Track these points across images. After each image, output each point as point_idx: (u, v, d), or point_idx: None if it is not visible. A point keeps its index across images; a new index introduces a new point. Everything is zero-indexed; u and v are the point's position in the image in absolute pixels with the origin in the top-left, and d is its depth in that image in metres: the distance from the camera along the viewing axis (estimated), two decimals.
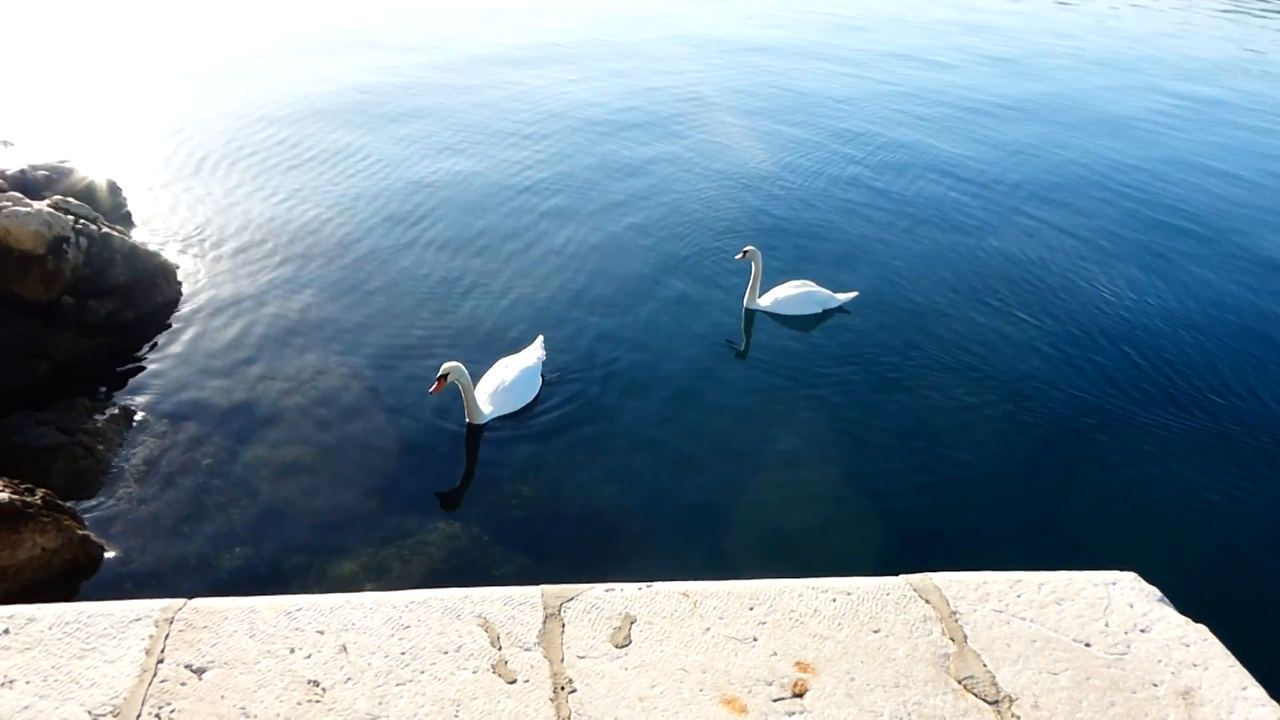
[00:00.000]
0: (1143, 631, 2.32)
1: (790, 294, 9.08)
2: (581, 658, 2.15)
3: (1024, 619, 2.34)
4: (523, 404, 7.18)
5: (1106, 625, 2.34)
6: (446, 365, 6.61)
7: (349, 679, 2.06)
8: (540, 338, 7.74)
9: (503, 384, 7.12)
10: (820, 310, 9.10)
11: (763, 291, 9.14)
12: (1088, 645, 2.27)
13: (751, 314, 9.14)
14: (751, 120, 15.58)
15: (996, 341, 8.71)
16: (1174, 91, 19.59)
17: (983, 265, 10.37)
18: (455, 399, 6.94)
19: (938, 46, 22.67)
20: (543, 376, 7.43)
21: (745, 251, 8.98)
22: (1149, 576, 2.55)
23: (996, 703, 2.10)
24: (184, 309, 8.31)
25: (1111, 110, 17.73)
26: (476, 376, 7.18)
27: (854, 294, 9.16)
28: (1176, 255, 11.02)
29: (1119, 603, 2.41)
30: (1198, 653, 2.26)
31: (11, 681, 1.98)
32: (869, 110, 16.53)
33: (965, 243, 10.96)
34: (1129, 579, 2.51)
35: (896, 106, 16.88)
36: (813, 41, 22.44)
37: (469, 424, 6.92)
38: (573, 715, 2.01)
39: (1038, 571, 2.53)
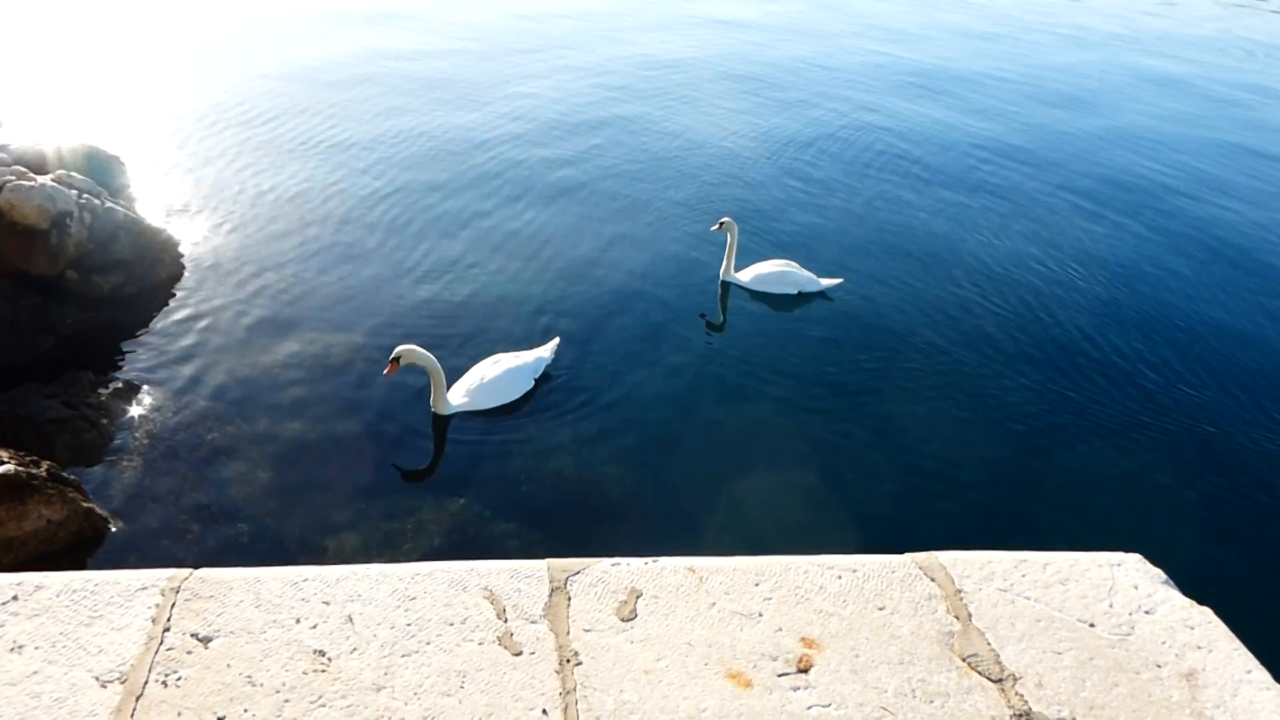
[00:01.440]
0: (1147, 613, 2.33)
1: (766, 271, 9.04)
2: (587, 631, 2.16)
3: (1028, 598, 2.34)
4: (497, 403, 6.90)
5: (1111, 606, 2.34)
6: (400, 348, 6.42)
7: (355, 649, 2.07)
8: (555, 341, 7.50)
9: (482, 379, 6.90)
10: (795, 292, 8.98)
11: (740, 266, 9.13)
12: (1092, 625, 2.27)
13: (727, 286, 9.15)
14: (768, 100, 15.50)
15: (1001, 324, 8.69)
16: (1199, 84, 19.47)
17: (989, 251, 10.33)
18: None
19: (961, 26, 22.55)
20: (538, 380, 7.16)
21: (721, 223, 8.98)
22: (1154, 559, 2.55)
23: (1000, 681, 2.11)
24: (186, 283, 8.30)
25: (1126, 99, 17.64)
26: (464, 368, 7.09)
27: (839, 281, 9.02)
28: (1190, 244, 10.98)
29: (1123, 584, 2.41)
30: (1202, 635, 2.26)
31: (21, 647, 1.99)
32: (891, 94, 16.45)
33: (974, 227, 10.93)
34: (1134, 560, 2.51)
35: (917, 87, 16.80)
36: (834, 30, 22.31)
37: (433, 413, 6.74)
38: (578, 687, 2.01)
39: (1043, 551, 2.53)
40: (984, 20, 23.86)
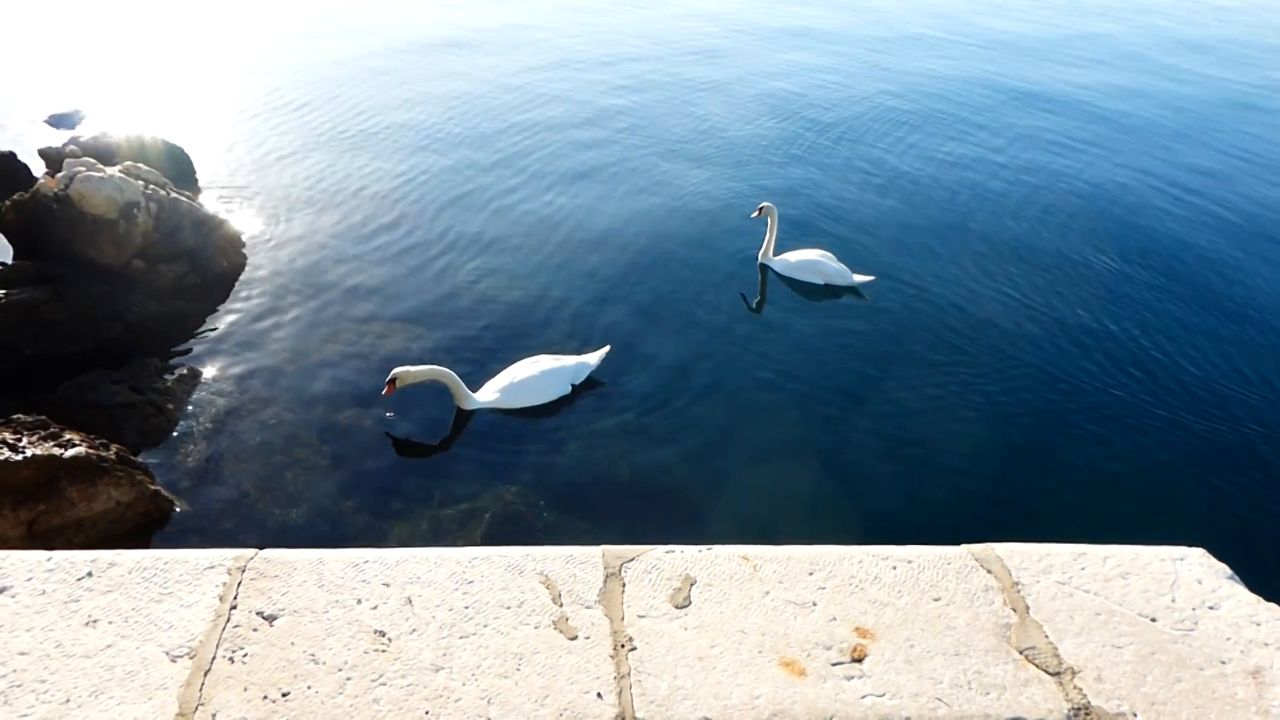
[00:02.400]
0: (1211, 609, 2.28)
1: (797, 259, 9.08)
2: (641, 617, 2.18)
3: (1088, 592, 2.31)
4: (526, 404, 6.84)
5: (1173, 601, 2.30)
6: (395, 370, 6.43)
7: (414, 630, 2.11)
8: (604, 350, 7.29)
9: (513, 379, 6.86)
10: (823, 283, 8.94)
11: (779, 250, 9.21)
12: (1153, 620, 2.24)
13: (765, 270, 9.23)
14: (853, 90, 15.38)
15: (1053, 324, 8.54)
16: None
17: (1048, 249, 10.16)
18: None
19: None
20: (575, 385, 7.01)
21: (761, 208, 9.10)
22: (1218, 555, 2.49)
23: (1059, 674, 2.08)
24: (248, 273, 8.48)
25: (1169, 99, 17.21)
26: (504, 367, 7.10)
27: (871, 278, 8.92)
28: (1247, 237, 10.69)
29: (1186, 579, 2.37)
30: (1269, 632, 2.21)
31: (95, 621, 2.06)
32: (964, 93, 16.22)
33: (1035, 223, 10.75)
34: (1197, 555, 2.46)
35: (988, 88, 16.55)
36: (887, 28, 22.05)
37: (457, 408, 6.78)
38: (632, 672, 2.03)
39: (1102, 545, 2.49)
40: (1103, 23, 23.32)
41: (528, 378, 6.88)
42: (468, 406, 6.77)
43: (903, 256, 9.60)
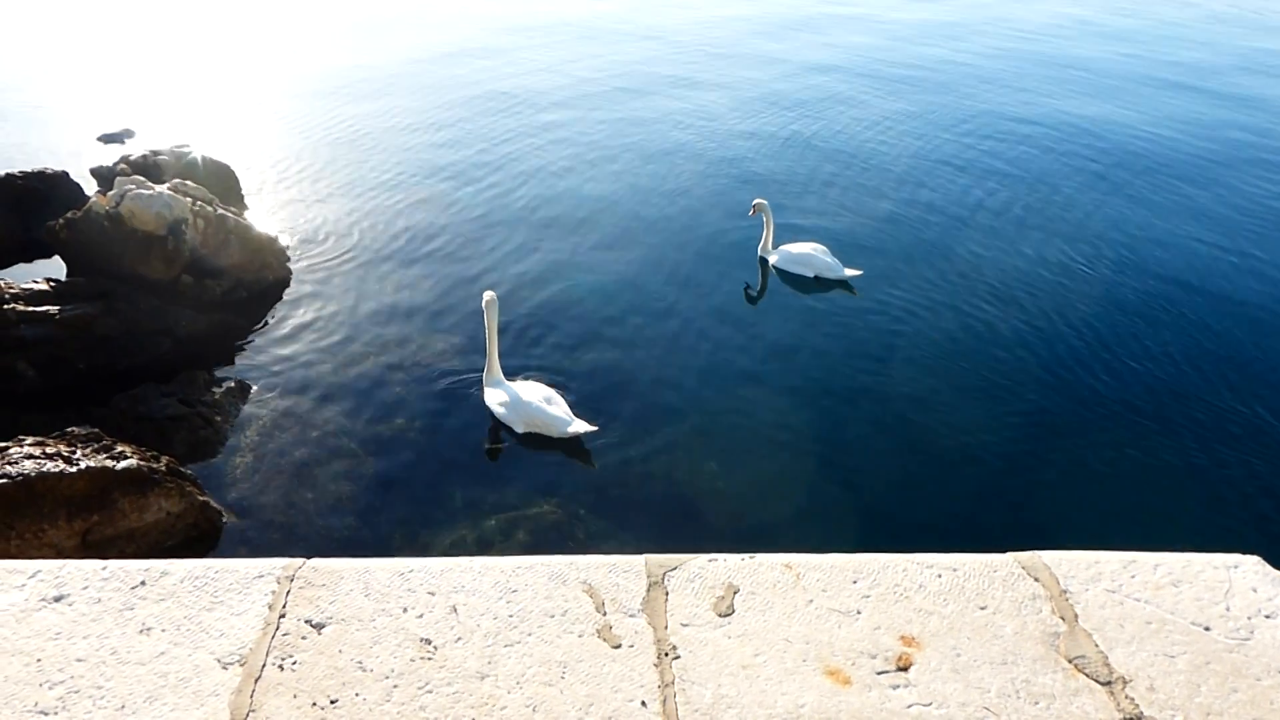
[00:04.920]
0: (1267, 617, 2.23)
1: (790, 252, 9.27)
2: (685, 625, 2.18)
3: (1138, 600, 2.27)
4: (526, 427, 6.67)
5: (1228, 609, 2.25)
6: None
7: (459, 639, 2.13)
8: (594, 428, 6.68)
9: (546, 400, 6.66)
10: (812, 275, 9.11)
11: (776, 244, 9.44)
12: (1207, 629, 2.19)
13: (764, 263, 9.48)
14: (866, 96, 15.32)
15: (1095, 325, 8.41)
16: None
17: (1079, 250, 10.01)
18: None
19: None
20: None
21: (755, 205, 9.38)
22: (1274, 561, 2.44)
23: (1110, 684, 2.05)
24: (294, 287, 8.62)
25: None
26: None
27: (859, 272, 9.04)
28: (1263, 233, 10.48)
29: (1241, 586, 2.32)
30: None
31: (149, 629, 2.10)
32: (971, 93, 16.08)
33: (1057, 212, 10.61)
34: (1251, 562, 2.41)
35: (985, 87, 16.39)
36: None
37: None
38: (676, 680, 2.03)
39: (1152, 552, 2.44)
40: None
41: (541, 407, 6.60)
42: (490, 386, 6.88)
43: (935, 257, 9.51)
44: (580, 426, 6.51)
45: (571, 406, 6.73)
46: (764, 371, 7.60)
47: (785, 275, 9.25)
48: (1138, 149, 13.06)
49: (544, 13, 21.32)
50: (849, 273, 9.02)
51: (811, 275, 9.13)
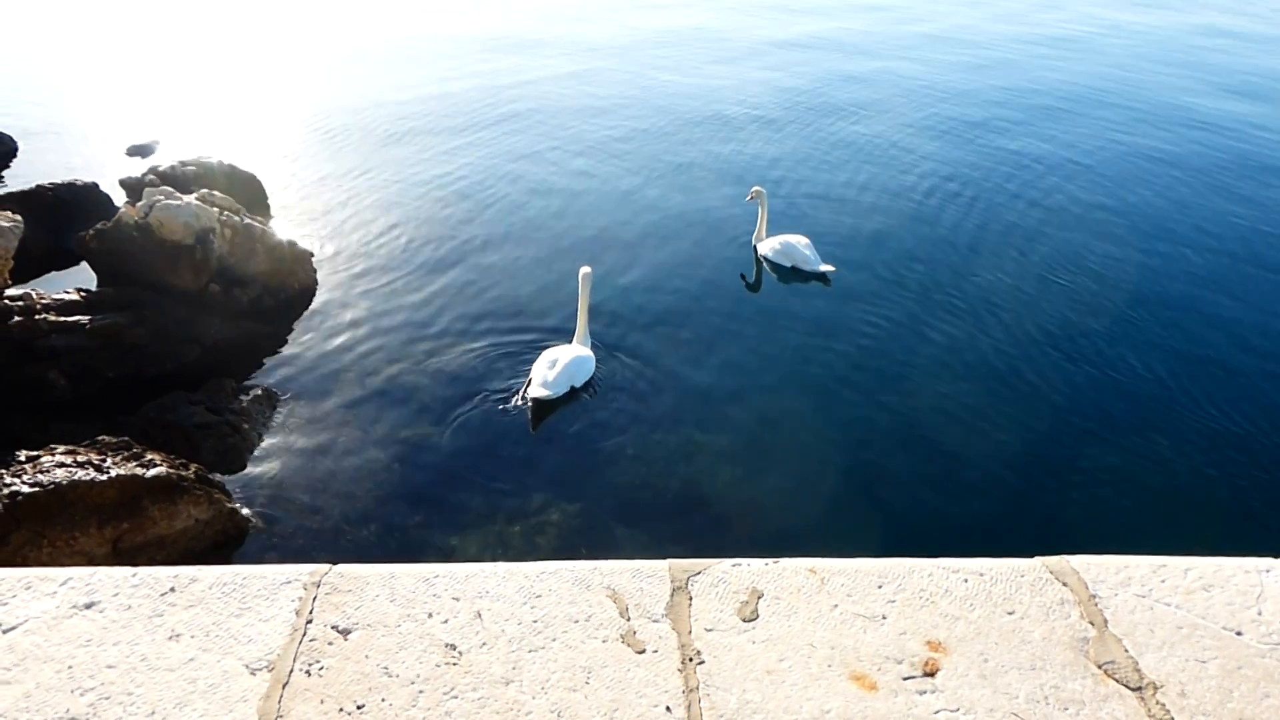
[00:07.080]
0: None
1: (774, 243, 9.35)
2: (709, 630, 2.17)
3: (1169, 604, 2.24)
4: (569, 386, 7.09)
5: (1260, 614, 2.22)
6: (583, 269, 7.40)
7: (484, 644, 2.13)
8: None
9: (555, 361, 7.12)
10: (789, 265, 9.17)
11: (769, 234, 9.53)
12: (1239, 634, 2.16)
13: (756, 251, 9.61)
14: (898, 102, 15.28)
15: (1128, 319, 8.33)
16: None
17: (1101, 257, 9.92)
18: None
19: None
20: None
21: (753, 193, 9.51)
22: None
23: (1140, 689, 2.02)
24: (321, 295, 8.69)
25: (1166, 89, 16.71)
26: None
27: (832, 268, 9.07)
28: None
29: (1273, 591, 2.29)
30: None
31: (178, 635, 2.12)
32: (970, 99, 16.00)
33: (1072, 211, 10.51)
34: None
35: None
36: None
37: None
38: (701, 686, 2.03)
39: (1182, 556, 2.41)
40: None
41: (567, 362, 7.10)
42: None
43: (961, 259, 9.45)
44: None
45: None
46: (786, 375, 7.57)
47: (773, 266, 9.36)
48: (1171, 147, 12.94)
49: (563, 29, 21.40)
50: (824, 268, 9.08)
51: (789, 265, 9.22)
